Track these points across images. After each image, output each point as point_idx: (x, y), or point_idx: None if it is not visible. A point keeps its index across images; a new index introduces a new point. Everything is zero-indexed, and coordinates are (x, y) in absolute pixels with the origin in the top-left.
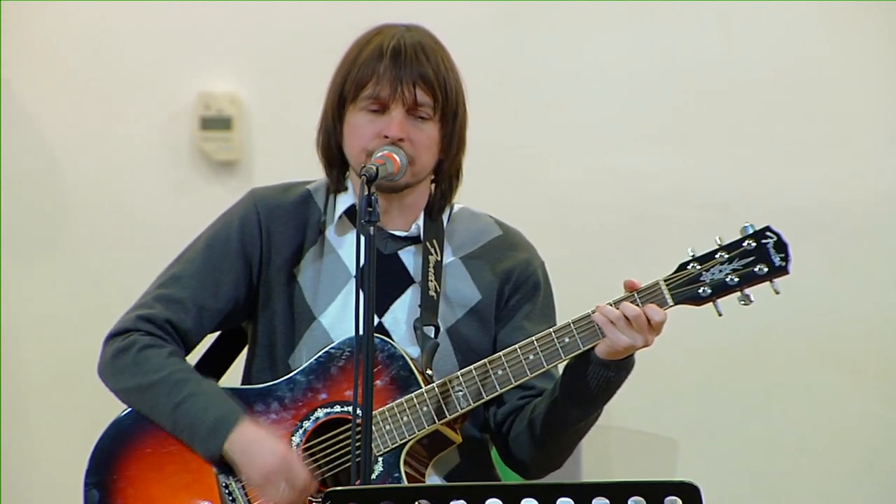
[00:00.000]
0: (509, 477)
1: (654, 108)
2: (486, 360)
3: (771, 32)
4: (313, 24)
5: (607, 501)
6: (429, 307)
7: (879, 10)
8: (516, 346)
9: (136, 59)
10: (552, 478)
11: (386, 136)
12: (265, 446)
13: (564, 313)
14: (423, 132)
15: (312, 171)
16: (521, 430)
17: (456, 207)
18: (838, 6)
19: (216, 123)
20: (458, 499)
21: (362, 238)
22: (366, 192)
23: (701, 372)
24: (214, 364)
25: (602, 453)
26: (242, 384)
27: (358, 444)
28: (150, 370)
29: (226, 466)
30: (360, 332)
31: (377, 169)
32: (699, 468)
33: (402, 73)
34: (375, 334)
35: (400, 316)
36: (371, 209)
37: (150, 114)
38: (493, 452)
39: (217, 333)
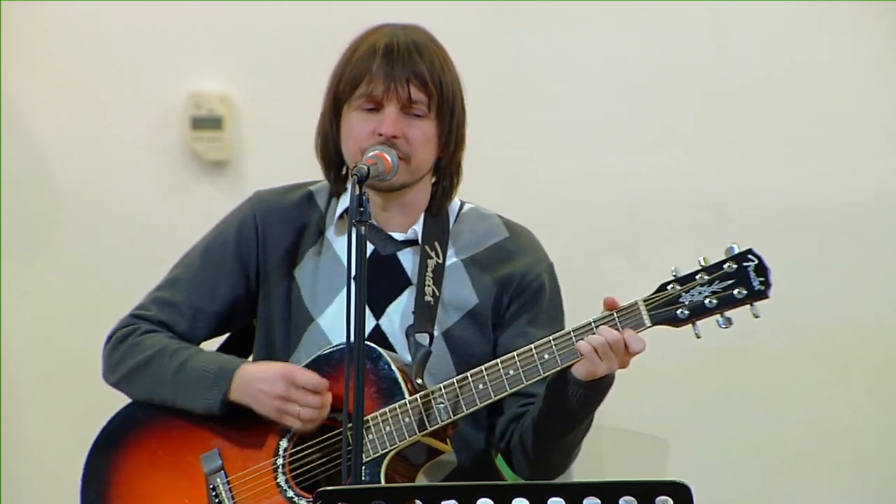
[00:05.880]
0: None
1: (646, 107)
2: (468, 373)
3: (763, 33)
4: (304, 24)
5: (598, 501)
6: (423, 313)
7: (871, 9)
8: (497, 360)
9: (126, 59)
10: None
11: (380, 134)
12: (268, 374)
13: None
14: (419, 129)
15: (303, 171)
16: (516, 442)
17: (466, 207)
18: (831, 6)
19: (207, 123)
20: (449, 498)
21: (353, 238)
22: (356, 192)
23: (691, 372)
24: None
25: (593, 453)
26: None
27: (349, 446)
28: (149, 347)
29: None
30: (352, 336)
31: (368, 169)
32: (690, 468)
33: (395, 71)
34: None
35: (395, 319)
36: (362, 209)
37: (140, 113)
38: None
39: (226, 335)
